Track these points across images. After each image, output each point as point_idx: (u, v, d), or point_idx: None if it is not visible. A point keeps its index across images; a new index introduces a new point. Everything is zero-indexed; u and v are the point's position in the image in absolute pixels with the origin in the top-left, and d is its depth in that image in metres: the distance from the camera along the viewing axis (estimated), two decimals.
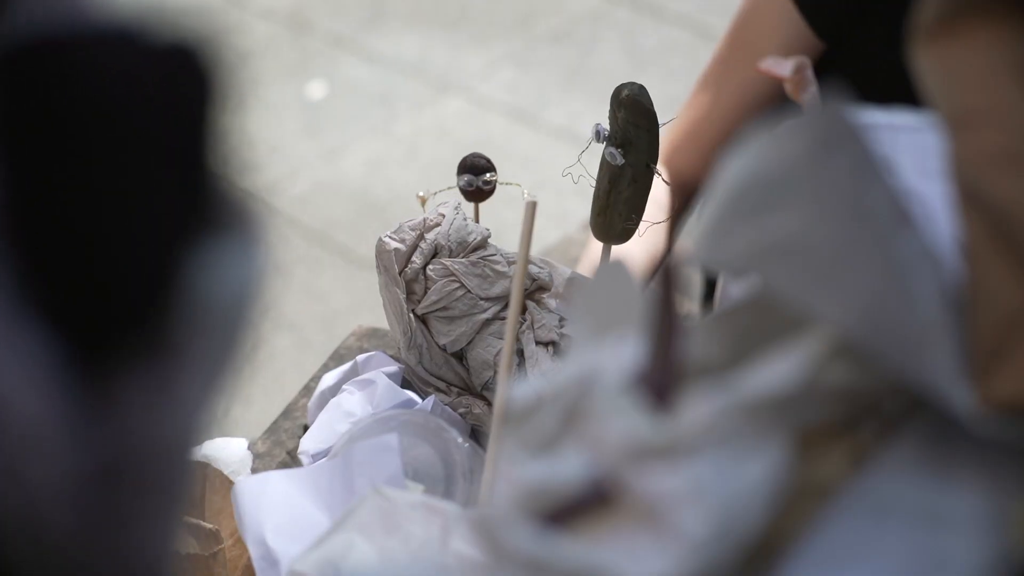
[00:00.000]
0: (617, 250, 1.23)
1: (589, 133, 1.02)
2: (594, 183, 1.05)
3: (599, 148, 1.03)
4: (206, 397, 0.39)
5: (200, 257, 0.36)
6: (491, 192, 1.12)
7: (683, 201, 1.37)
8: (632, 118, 0.99)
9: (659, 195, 1.34)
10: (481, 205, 1.15)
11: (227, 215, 0.37)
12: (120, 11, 0.36)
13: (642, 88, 1.00)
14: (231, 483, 1.00)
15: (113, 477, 0.36)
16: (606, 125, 1.02)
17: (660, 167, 1.35)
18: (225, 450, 1.06)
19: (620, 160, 1.01)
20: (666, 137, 1.39)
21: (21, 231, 0.33)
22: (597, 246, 1.28)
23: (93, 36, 0.35)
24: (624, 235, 1.06)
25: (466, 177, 1.11)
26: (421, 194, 1.14)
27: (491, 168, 1.11)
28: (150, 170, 0.34)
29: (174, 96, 0.35)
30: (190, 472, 0.40)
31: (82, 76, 0.34)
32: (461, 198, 1.13)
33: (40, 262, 0.34)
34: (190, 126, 0.36)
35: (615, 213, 1.04)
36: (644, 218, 1.07)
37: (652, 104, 1.00)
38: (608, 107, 1.02)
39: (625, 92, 0.99)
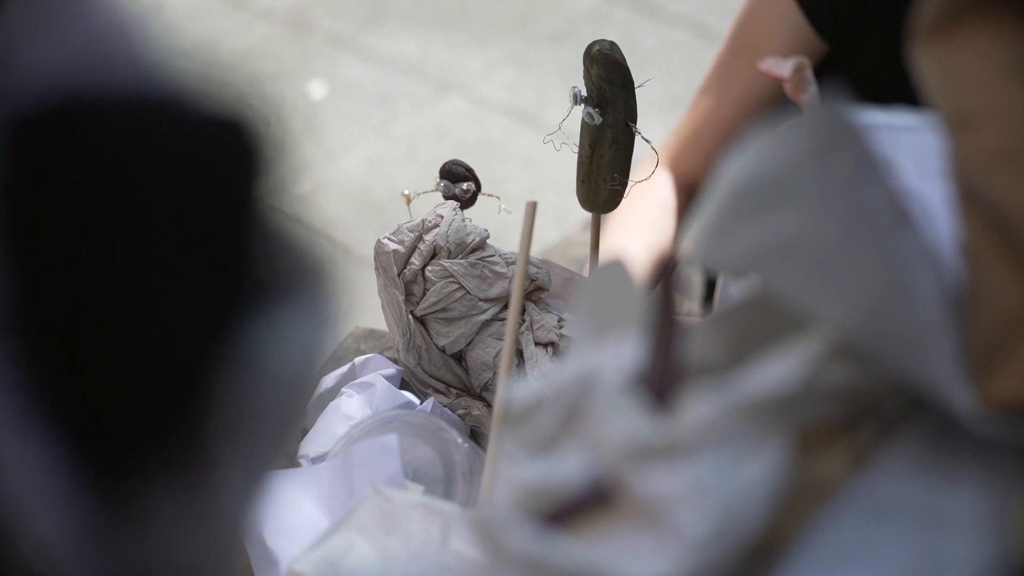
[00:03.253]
0: (620, 250, 1.23)
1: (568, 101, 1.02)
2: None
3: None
4: (257, 484, 0.35)
5: (251, 338, 0.32)
6: (471, 201, 1.12)
7: (689, 203, 1.37)
8: (605, 74, 0.99)
9: (666, 199, 1.34)
10: (482, 204, 1.15)
11: (286, 283, 0.33)
12: (164, 68, 0.31)
13: (613, 44, 0.99)
14: None
15: None
16: (583, 88, 1.02)
17: (664, 170, 1.36)
18: None
19: (598, 119, 1.00)
20: (671, 140, 1.39)
21: (34, 330, 0.29)
22: (610, 239, 1.28)
23: (128, 101, 0.30)
24: (610, 202, 1.06)
25: (443, 183, 1.11)
26: (406, 192, 1.13)
27: (469, 177, 1.11)
28: (181, 260, 0.30)
29: (212, 174, 0.31)
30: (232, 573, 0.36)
31: (102, 149, 0.29)
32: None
33: (55, 366, 0.30)
34: (230, 207, 0.31)
35: (599, 178, 1.04)
36: (631, 196, 1.06)
37: (624, 59, 0.99)
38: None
39: (596, 48, 0.99)
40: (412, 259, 1.07)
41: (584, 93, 1.01)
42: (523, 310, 1.06)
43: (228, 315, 0.32)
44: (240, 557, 0.37)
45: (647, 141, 1.03)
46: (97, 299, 0.30)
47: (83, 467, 0.31)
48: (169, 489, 0.32)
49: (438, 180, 1.11)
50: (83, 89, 0.30)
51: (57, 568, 0.31)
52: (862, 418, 0.49)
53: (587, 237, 1.60)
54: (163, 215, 0.30)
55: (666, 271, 0.49)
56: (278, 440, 0.35)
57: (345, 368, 1.14)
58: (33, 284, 0.29)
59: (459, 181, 1.11)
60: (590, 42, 1.00)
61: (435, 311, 1.07)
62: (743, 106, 1.33)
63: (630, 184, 1.05)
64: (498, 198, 1.10)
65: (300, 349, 0.34)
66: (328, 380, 1.14)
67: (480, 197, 1.12)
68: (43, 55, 0.30)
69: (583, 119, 1.02)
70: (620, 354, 0.50)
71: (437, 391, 1.10)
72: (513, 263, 1.07)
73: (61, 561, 0.31)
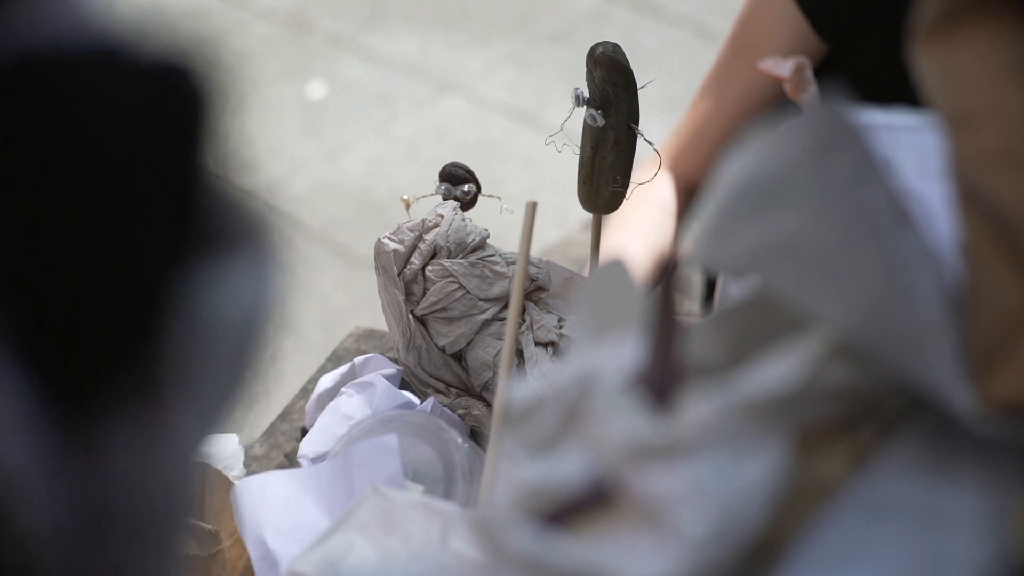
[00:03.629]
0: (620, 250, 1.23)
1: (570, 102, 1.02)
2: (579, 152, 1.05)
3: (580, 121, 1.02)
4: (209, 430, 0.36)
5: (198, 284, 0.34)
6: (472, 203, 1.12)
7: (689, 204, 1.37)
8: (608, 76, 0.99)
9: (666, 200, 1.34)
10: (482, 204, 1.15)
11: (231, 234, 0.35)
12: (108, 23, 0.33)
13: (616, 46, 0.99)
14: (230, 484, 1.00)
15: (103, 524, 0.34)
16: (585, 89, 1.02)
17: (664, 170, 1.36)
18: (215, 445, 1.06)
19: (600, 121, 1.01)
20: (671, 141, 1.39)
21: None
22: (610, 239, 1.28)
23: (74, 53, 0.32)
24: (611, 203, 1.06)
25: (444, 186, 1.11)
26: (405, 197, 1.13)
27: (470, 179, 1.11)
28: (133, 198, 0.32)
29: (162, 118, 0.33)
30: (188, 512, 0.38)
31: (59, 97, 0.31)
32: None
33: (12, 300, 0.31)
34: (180, 149, 0.33)
35: (600, 179, 1.04)
36: (632, 197, 1.06)
37: (627, 62, 0.99)
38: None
39: (599, 50, 0.99)
40: (412, 259, 1.07)
41: (586, 95, 1.01)
42: (523, 310, 1.06)
43: (178, 256, 0.33)
44: (195, 501, 0.39)
45: (650, 143, 1.03)
46: (52, 237, 0.31)
47: (43, 394, 0.32)
48: (124, 419, 0.33)
49: (438, 183, 1.11)
50: (34, 44, 0.32)
51: (19, 492, 0.32)
52: (862, 418, 0.49)
53: (587, 237, 1.60)
54: (114, 158, 0.32)
55: (666, 271, 0.49)
56: (229, 388, 0.36)
57: (345, 368, 1.14)
58: None
59: (459, 183, 1.11)
60: (593, 44, 1.00)
61: (435, 311, 1.07)
62: (743, 106, 1.33)
63: (631, 186, 1.05)
64: (499, 199, 1.10)
65: (247, 299, 0.35)
66: (328, 379, 1.14)
67: (480, 197, 1.12)
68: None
69: (585, 121, 1.02)
70: (620, 354, 0.50)
71: (437, 391, 1.10)
72: (513, 263, 1.07)
73: (23, 485, 0.32)
